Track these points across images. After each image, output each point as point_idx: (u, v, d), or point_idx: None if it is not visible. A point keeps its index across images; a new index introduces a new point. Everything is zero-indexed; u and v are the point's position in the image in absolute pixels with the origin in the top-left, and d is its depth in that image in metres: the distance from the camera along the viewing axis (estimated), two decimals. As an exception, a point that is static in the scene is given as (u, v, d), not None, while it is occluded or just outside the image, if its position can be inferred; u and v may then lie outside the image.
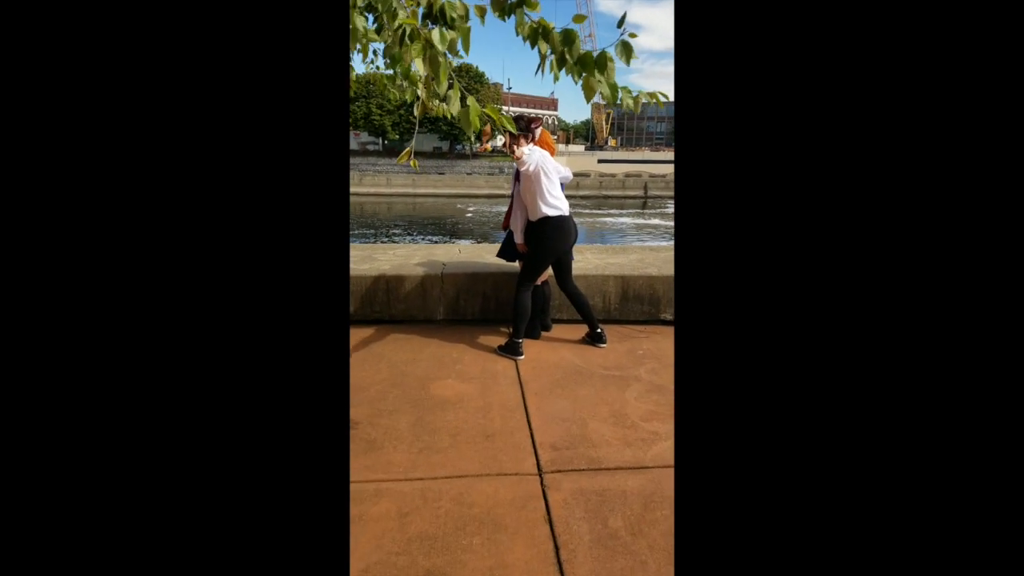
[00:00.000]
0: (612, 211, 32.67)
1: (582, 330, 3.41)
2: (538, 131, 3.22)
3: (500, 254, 3.53)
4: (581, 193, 38.00)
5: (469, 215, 29.24)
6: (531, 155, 3.04)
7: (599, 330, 3.29)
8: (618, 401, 2.61)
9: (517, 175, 3.22)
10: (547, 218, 3.11)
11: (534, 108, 68.37)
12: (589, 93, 1.54)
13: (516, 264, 3.52)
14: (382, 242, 21.09)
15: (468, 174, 42.17)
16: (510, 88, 59.06)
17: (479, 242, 21.45)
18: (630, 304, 3.68)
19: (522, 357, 3.10)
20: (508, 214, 3.40)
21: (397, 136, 49.22)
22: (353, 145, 52.15)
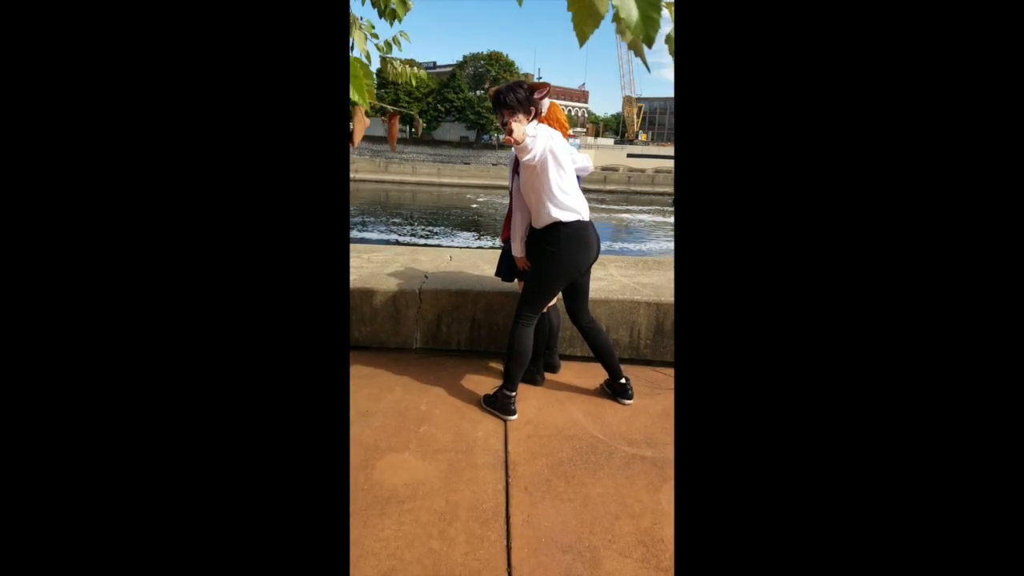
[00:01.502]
0: (631, 207, 31.51)
1: (599, 372, 2.53)
2: (545, 104, 2.29)
3: (499, 272, 2.65)
4: (608, 188, 37.10)
5: (475, 207, 28.35)
6: (536, 139, 2.08)
7: (623, 380, 2.41)
8: (649, 510, 1.73)
9: (516, 164, 2.33)
10: (558, 224, 2.22)
11: (564, 100, 67.07)
12: (584, 21, 0.66)
13: (516, 284, 2.64)
14: (376, 231, 20.31)
15: (493, 164, 41.63)
16: (540, 78, 58.02)
17: (481, 236, 20.37)
18: (666, 340, 2.78)
19: (514, 417, 2.24)
20: (508, 220, 2.49)
21: (425, 124, 48.92)
22: (380, 132, 51.96)
